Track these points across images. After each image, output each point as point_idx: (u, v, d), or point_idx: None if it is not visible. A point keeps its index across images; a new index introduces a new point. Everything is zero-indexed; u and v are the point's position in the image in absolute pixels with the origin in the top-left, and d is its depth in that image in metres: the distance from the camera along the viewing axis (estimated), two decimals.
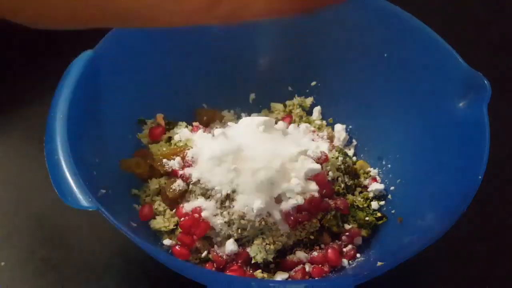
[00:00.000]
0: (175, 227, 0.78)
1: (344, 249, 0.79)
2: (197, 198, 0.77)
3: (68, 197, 0.63)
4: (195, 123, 0.88)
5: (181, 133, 0.85)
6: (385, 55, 0.86)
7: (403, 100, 0.85)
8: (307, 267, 0.76)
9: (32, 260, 0.80)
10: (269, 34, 0.92)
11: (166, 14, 0.51)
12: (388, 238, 0.79)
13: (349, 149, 0.92)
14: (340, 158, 0.84)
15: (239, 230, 0.75)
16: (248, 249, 0.75)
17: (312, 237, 0.78)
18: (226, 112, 0.94)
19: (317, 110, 0.94)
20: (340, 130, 0.92)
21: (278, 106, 0.95)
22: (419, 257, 0.64)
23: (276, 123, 0.86)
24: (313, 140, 0.85)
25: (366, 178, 0.88)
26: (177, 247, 0.76)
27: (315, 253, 0.77)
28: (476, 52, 0.84)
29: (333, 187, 0.81)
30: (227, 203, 0.75)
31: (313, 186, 0.77)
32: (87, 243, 0.82)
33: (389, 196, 0.85)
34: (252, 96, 0.96)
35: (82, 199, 0.63)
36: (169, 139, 0.86)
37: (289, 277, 0.75)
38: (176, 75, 0.89)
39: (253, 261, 0.75)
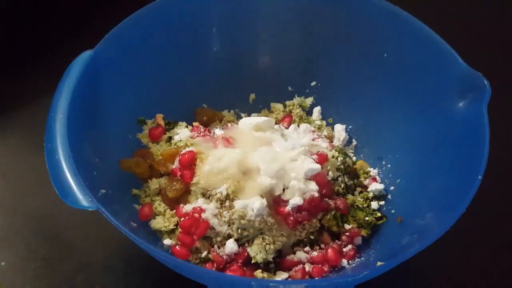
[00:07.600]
0: (175, 227, 0.78)
1: (344, 249, 0.79)
2: (197, 198, 0.77)
3: (68, 197, 0.63)
4: (195, 123, 0.88)
5: (181, 133, 0.85)
6: (385, 55, 0.86)
7: (403, 100, 0.85)
8: (307, 267, 0.76)
9: (32, 260, 0.80)
10: (269, 34, 0.92)
11: None
12: (388, 238, 0.79)
13: (349, 149, 0.92)
14: (340, 158, 0.84)
15: (239, 230, 0.75)
16: (248, 249, 0.75)
17: (312, 237, 0.78)
18: (226, 112, 0.94)
19: (317, 110, 0.94)
20: (340, 130, 0.92)
21: (278, 106, 0.95)
22: (419, 257, 0.64)
23: (276, 123, 0.86)
24: (313, 140, 0.85)
25: (366, 178, 0.87)
26: (177, 247, 0.76)
27: (315, 253, 0.77)
28: (476, 52, 0.84)
29: (333, 187, 0.81)
30: (227, 203, 0.75)
31: (313, 186, 0.77)
32: (87, 243, 0.82)
33: (389, 196, 0.85)
34: (252, 96, 0.96)
35: (82, 199, 0.63)
36: (169, 139, 0.86)
37: (289, 277, 0.75)
38: (176, 75, 0.89)
39: (253, 261, 0.75)
